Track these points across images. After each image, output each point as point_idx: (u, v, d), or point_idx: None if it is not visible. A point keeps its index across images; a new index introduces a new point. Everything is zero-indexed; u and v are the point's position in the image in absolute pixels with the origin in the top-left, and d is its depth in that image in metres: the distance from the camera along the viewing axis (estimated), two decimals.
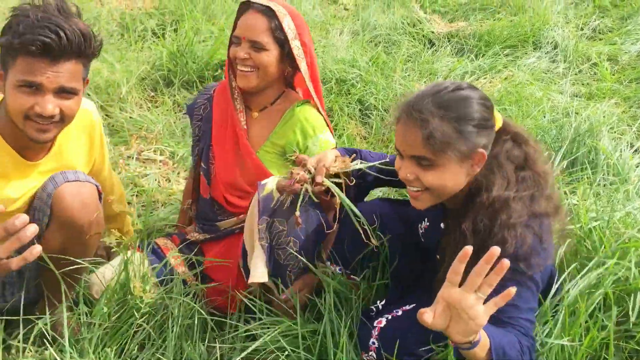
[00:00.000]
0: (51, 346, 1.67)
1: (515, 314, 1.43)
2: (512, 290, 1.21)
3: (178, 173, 3.01)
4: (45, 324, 1.67)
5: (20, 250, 1.27)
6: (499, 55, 4.42)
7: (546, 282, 1.63)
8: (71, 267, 1.72)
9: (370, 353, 1.62)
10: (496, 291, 1.22)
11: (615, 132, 3.24)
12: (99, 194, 1.79)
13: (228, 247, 2.05)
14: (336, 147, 2.10)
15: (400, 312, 1.66)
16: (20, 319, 1.65)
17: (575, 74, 4.28)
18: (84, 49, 1.53)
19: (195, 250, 2.09)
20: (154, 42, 4.23)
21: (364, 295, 1.85)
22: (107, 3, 4.74)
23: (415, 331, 1.51)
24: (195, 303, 1.85)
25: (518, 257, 1.40)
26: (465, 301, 1.21)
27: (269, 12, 1.95)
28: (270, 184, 1.83)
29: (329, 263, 1.86)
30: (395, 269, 1.82)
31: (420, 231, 1.78)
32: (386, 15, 5.10)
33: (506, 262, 1.19)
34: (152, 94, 3.69)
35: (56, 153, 1.78)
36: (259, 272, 1.79)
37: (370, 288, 1.85)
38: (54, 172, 1.76)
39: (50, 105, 1.51)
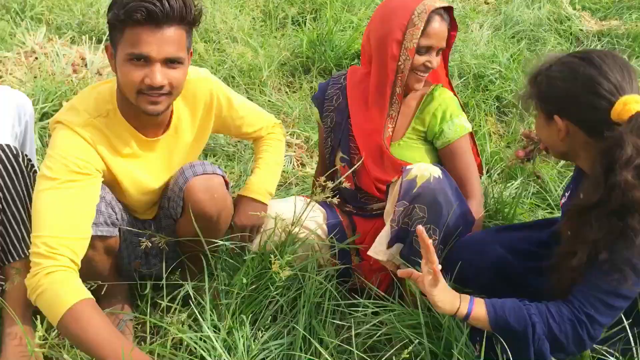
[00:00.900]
0: (194, 306, 1.79)
1: (585, 289, 1.44)
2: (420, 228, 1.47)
3: (310, 157, 3.09)
4: (193, 288, 1.79)
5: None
6: None
7: None
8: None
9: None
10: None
11: None
12: (226, 183, 1.89)
13: (379, 226, 2.07)
14: (472, 132, 2.12)
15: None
16: (164, 284, 1.78)
17: None
18: (185, 14, 1.55)
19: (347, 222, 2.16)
20: (294, 29, 4.36)
21: None
22: None
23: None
24: (329, 281, 1.90)
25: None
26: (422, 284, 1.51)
27: (448, 16, 1.98)
28: (415, 169, 1.83)
29: None
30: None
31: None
32: (531, 10, 4.88)
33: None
34: (291, 79, 3.81)
35: (174, 129, 1.84)
36: (377, 249, 1.87)
37: None
38: (174, 148, 1.85)
39: (159, 75, 1.56)
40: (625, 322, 1.53)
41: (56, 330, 1.70)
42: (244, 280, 1.84)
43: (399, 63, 1.96)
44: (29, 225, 1.74)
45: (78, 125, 1.66)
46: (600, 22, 4.82)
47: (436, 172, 1.83)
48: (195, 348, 1.66)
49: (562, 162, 3.01)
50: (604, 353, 1.58)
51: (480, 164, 2.25)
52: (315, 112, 2.27)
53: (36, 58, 3.49)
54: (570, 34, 4.57)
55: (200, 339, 1.68)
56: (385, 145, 2.04)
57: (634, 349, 1.57)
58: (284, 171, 2.92)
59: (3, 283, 1.82)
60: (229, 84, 3.56)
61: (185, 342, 1.69)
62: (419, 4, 1.92)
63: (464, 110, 2.10)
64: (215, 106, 1.93)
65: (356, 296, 1.94)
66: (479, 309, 1.50)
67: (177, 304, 1.84)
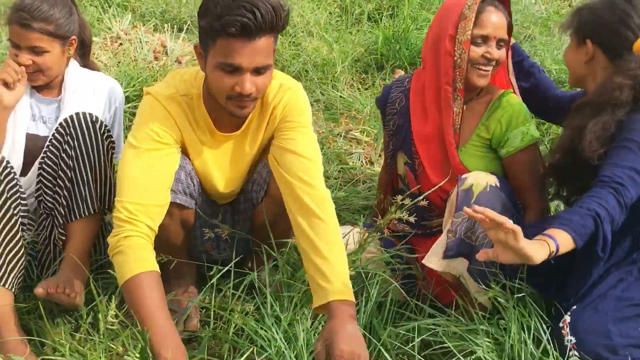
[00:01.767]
0: (257, 296, 1.83)
1: (610, 171, 1.60)
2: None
3: (379, 155, 3.08)
4: (257, 276, 1.83)
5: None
6: None
7: None
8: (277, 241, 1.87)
9: (572, 353, 1.58)
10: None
11: None
12: None
13: None
14: (539, 141, 2.05)
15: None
16: (232, 270, 1.83)
17: None
18: (275, 23, 1.57)
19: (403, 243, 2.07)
20: (369, 25, 4.34)
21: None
22: None
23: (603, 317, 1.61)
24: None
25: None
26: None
27: (504, 8, 1.96)
28: (470, 178, 1.80)
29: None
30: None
31: None
32: None
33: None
34: (364, 75, 3.81)
35: (245, 130, 1.86)
36: (432, 258, 1.82)
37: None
38: (242, 148, 1.88)
39: (249, 84, 1.60)
40: None
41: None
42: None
43: (455, 58, 1.93)
44: (93, 187, 1.89)
45: (163, 97, 1.74)
46: None
47: (492, 180, 1.80)
48: (256, 337, 1.69)
49: None
50: None
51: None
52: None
53: (121, 44, 3.64)
54: None
55: (262, 328, 1.71)
56: (455, 142, 1.99)
57: None
58: (352, 168, 2.93)
59: (64, 238, 1.94)
60: (302, 78, 3.60)
61: (247, 331, 1.72)
62: None
63: (533, 117, 2.04)
64: (278, 111, 1.83)
65: (418, 303, 1.92)
66: (561, 238, 1.53)
67: (242, 292, 1.88)
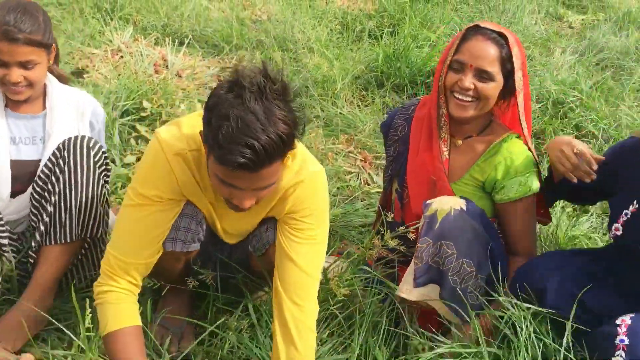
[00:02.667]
0: (252, 314, 1.81)
1: None
2: None
3: (377, 174, 3.07)
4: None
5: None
6: None
7: None
8: None
9: (618, 353, 1.54)
10: None
11: None
12: None
13: None
14: (542, 192, 1.94)
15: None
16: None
17: None
18: (282, 152, 1.43)
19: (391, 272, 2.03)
20: (370, 42, 4.36)
21: None
22: (332, 2, 5.00)
23: None
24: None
25: None
26: None
27: (500, 40, 1.84)
28: (435, 204, 1.77)
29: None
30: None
31: (617, 232, 1.74)
32: (617, 37, 4.69)
33: None
34: (364, 93, 3.81)
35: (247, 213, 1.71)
36: (404, 288, 1.80)
37: None
38: (249, 214, 1.74)
39: (248, 202, 1.51)
40: None
41: None
42: None
43: (440, 83, 1.90)
44: (76, 216, 1.83)
45: (170, 152, 1.61)
46: None
47: (457, 204, 1.76)
48: (250, 355, 1.68)
49: None
50: None
51: (549, 217, 2.11)
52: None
53: (122, 56, 3.64)
54: None
55: (256, 346, 1.69)
56: (444, 171, 1.93)
57: None
58: (349, 185, 2.92)
59: (32, 261, 1.88)
60: (302, 95, 3.60)
61: (241, 349, 1.71)
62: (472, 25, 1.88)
63: (537, 166, 1.92)
64: (288, 203, 1.70)
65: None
66: None
67: (238, 311, 1.87)
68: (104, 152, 1.90)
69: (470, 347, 1.71)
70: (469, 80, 1.82)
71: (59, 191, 1.82)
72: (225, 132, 1.35)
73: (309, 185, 1.67)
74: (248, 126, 1.34)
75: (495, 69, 1.83)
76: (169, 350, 1.79)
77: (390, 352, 1.83)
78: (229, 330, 1.80)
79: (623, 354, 1.53)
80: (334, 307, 1.86)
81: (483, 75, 1.83)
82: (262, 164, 1.39)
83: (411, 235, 1.84)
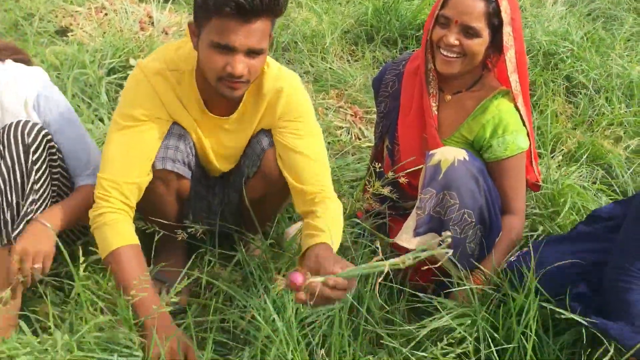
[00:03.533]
0: (245, 267, 1.83)
1: None
2: None
3: (367, 129, 3.06)
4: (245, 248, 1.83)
5: None
6: None
7: None
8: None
9: None
10: None
11: None
12: None
13: None
14: (530, 149, 1.93)
15: None
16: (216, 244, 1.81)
17: None
18: (273, 6, 1.52)
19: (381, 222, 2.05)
20: None
21: None
22: None
23: None
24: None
25: None
26: None
27: None
28: (438, 154, 1.76)
29: None
30: None
31: None
32: None
33: None
34: (353, 47, 3.76)
35: (240, 114, 1.81)
36: (403, 237, 1.81)
37: None
38: (233, 134, 1.82)
39: (241, 65, 1.55)
40: None
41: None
42: (295, 246, 1.86)
43: (428, 37, 1.86)
44: (15, 213, 1.70)
45: (150, 72, 1.70)
46: None
47: (460, 154, 1.76)
48: (245, 306, 1.70)
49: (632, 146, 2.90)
50: None
51: (538, 182, 2.06)
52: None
53: (106, 14, 3.56)
54: None
55: (251, 297, 1.72)
56: (434, 125, 1.92)
57: None
58: (340, 140, 2.92)
59: None
60: (291, 50, 3.56)
61: (236, 301, 1.73)
62: None
63: (528, 124, 1.91)
64: (278, 109, 1.78)
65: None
66: None
67: (232, 264, 1.88)
68: (44, 135, 1.73)
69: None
70: (453, 37, 1.79)
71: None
72: None
73: (291, 89, 1.77)
74: None
75: (480, 25, 1.77)
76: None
77: (383, 301, 1.86)
78: (222, 283, 1.81)
79: None
80: None
81: (468, 31, 1.78)
82: (257, 11, 1.48)
83: (404, 180, 1.85)
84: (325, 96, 3.23)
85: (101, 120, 2.69)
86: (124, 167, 1.68)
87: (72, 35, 3.31)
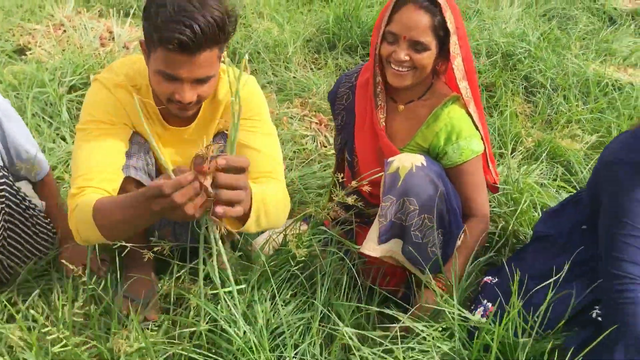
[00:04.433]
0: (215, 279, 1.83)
1: None
2: None
3: (332, 136, 3.08)
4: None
5: None
6: None
7: None
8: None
9: None
10: None
11: None
12: None
13: None
14: (486, 152, 1.96)
15: None
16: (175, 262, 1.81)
17: None
18: (218, 36, 1.50)
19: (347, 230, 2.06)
20: (320, 5, 4.33)
21: None
22: None
23: None
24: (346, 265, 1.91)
25: None
26: None
27: (432, 8, 1.78)
28: (396, 162, 1.78)
29: None
30: None
31: None
32: None
33: None
34: (316, 55, 3.79)
35: (198, 123, 1.82)
36: (368, 245, 1.81)
37: None
38: (195, 143, 1.82)
39: (189, 94, 1.56)
40: None
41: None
42: (263, 258, 1.87)
43: (376, 51, 1.87)
44: None
45: (112, 84, 1.70)
46: (635, 0, 4.68)
47: (418, 160, 1.77)
48: (216, 320, 1.69)
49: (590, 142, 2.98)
50: None
51: (496, 183, 2.09)
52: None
53: (64, 31, 3.53)
54: (604, 12, 4.46)
55: (221, 311, 1.71)
56: (385, 134, 1.94)
57: None
58: (306, 148, 2.93)
59: None
60: (254, 60, 3.57)
61: (206, 314, 1.72)
62: None
63: (481, 128, 1.93)
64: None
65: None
66: None
67: (201, 278, 1.87)
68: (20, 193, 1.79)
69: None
70: (403, 52, 1.80)
71: None
72: (164, 15, 1.46)
73: (247, 90, 1.78)
74: (185, 9, 1.45)
75: (428, 38, 1.79)
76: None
77: (354, 307, 1.87)
78: (193, 298, 1.81)
79: None
80: (295, 268, 1.89)
81: (417, 46, 1.79)
82: (200, 45, 1.48)
83: (367, 188, 1.86)
84: (290, 105, 3.25)
85: (63, 139, 2.66)
86: (99, 165, 1.64)
87: (30, 54, 3.28)
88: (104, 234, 1.52)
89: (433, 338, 1.64)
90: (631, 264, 1.45)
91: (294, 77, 3.48)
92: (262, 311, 1.73)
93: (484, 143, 1.94)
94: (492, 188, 2.09)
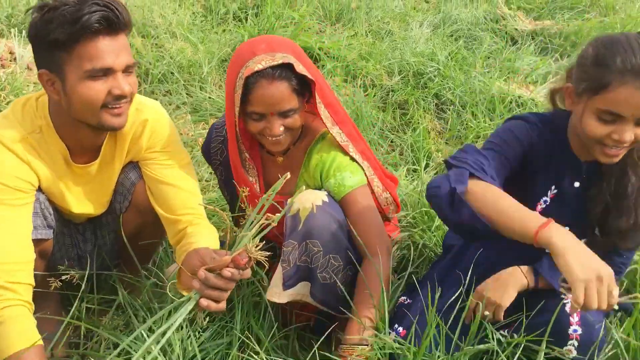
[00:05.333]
0: (128, 309, 1.75)
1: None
2: None
3: None
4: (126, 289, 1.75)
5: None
6: None
7: None
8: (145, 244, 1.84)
9: (571, 342, 1.56)
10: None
11: None
12: None
13: None
14: (367, 180, 1.86)
15: None
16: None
17: None
18: (129, 19, 1.52)
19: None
20: (235, 24, 4.31)
21: None
22: None
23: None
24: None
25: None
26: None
27: (284, 73, 1.68)
28: (297, 203, 1.71)
29: None
30: None
31: (541, 207, 1.70)
32: (468, 9, 5.01)
33: None
34: None
35: (103, 158, 1.76)
36: (274, 291, 1.76)
37: None
38: (101, 178, 1.77)
39: (125, 84, 1.52)
40: None
41: None
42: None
43: (237, 129, 1.78)
44: None
45: (11, 140, 1.58)
46: (534, 22, 4.99)
47: (319, 198, 1.72)
48: (129, 352, 1.62)
49: None
50: None
51: (386, 213, 1.97)
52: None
53: None
54: (506, 33, 4.71)
55: (134, 342, 1.64)
56: (259, 183, 1.89)
57: None
58: None
59: None
60: (167, 81, 3.50)
61: (120, 346, 1.64)
62: (243, 65, 1.69)
63: (352, 159, 1.83)
64: (144, 141, 1.75)
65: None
66: None
67: (113, 309, 1.80)
68: None
69: None
70: (277, 126, 1.72)
71: None
72: (72, 9, 1.42)
73: (155, 119, 1.75)
74: (81, 6, 1.43)
75: (294, 102, 1.72)
76: None
77: (274, 328, 1.85)
78: (104, 330, 1.73)
79: (576, 344, 1.55)
80: None
81: (287, 114, 1.72)
82: (120, 22, 1.47)
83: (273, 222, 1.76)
84: (205, 126, 3.20)
85: None
86: (18, 247, 1.55)
87: None
88: None
89: None
90: (466, 153, 1.61)
91: (210, 97, 3.44)
92: (179, 339, 1.68)
93: (365, 172, 1.86)
94: (386, 218, 1.98)
